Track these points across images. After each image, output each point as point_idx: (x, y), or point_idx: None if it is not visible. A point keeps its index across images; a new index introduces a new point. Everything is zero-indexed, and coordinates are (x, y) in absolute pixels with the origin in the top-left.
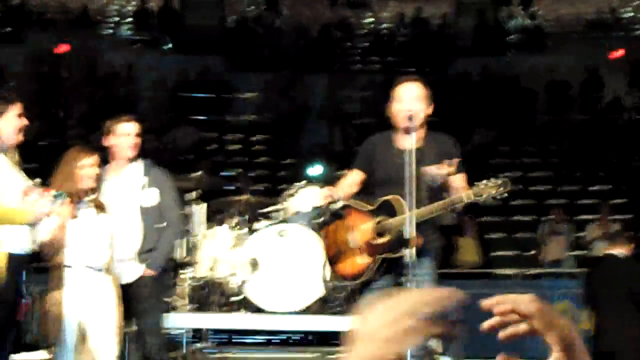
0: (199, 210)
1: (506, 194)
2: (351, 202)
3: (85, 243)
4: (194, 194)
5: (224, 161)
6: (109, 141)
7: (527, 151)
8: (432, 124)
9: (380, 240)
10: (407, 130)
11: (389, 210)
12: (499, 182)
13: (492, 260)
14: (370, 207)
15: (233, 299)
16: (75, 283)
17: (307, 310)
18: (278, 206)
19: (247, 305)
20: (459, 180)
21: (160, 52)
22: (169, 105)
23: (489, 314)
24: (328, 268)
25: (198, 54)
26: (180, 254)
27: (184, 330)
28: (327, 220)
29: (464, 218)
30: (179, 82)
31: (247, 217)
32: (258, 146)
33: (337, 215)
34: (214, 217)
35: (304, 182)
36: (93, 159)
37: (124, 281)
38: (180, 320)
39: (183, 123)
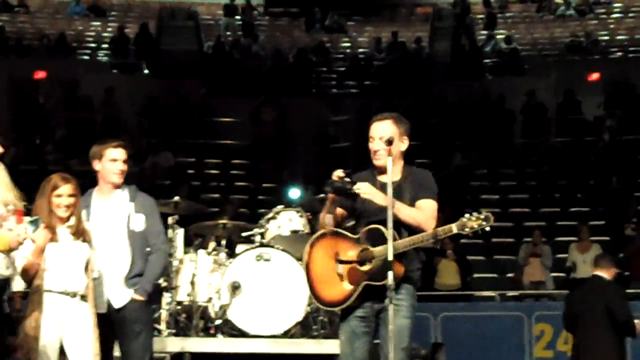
0: (178, 235)
1: (488, 228)
2: (337, 230)
3: (61, 269)
4: (171, 219)
5: (203, 185)
6: (96, 166)
7: (505, 173)
8: (412, 147)
9: (364, 268)
10: (380, 169)
11: (372, 239)
12: (482, 216)
13: (472, 282)
14: (354, 236)
15: (213, 323)
16: (53, 308)
17: (288, 334)
18: (258, 230)
19: (227, 329)
20: (424, 208)
21: (137, 77)
22: (147, 129)
23: (469, 336)
24: (309, 292)
25: (175, 79)
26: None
27: (165, 355)
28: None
29: (443, 240)
30: (156, 107)
31: (225, 241)
32: (236, 170)
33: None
34: (193, 242)
35: (282, 206)
36: (69, 187)
37: (114, 306)
38: (161, 345)
39: (161, 147)
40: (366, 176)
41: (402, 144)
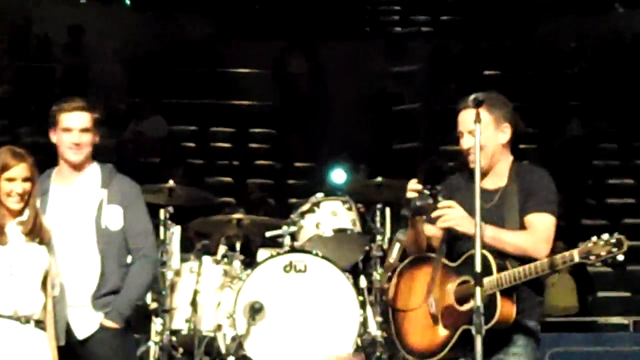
0: (173, 235)
1: (622, 257)
2: (428, 254)
3: (10, 283)
4: (163, 212)
5: (208, 165)
6: (52, 137)
7: None
8: (520, 111)
9: (464, 308)
10: (480, 170)
11: (474, 269)
12: (613, 240)
13: (594, 303)
14: (453, 264)
15: None
16: None
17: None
18: (287, 228)
19: None
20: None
21: (115, 10)
22: (131, 85)
23: None
24: (395, 338)
25: (169, 13)
26: (148, 297)
27: None
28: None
29: (556, 244)
30: (142, 53)
31: (240, 244)
32: (256, 144)
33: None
34: (194, 245)
35: (321, 194)
36: (23, 168)
37: (77, 336)
38: None
39: (149, 111)
40: (458, 182)
41: (503, 134)
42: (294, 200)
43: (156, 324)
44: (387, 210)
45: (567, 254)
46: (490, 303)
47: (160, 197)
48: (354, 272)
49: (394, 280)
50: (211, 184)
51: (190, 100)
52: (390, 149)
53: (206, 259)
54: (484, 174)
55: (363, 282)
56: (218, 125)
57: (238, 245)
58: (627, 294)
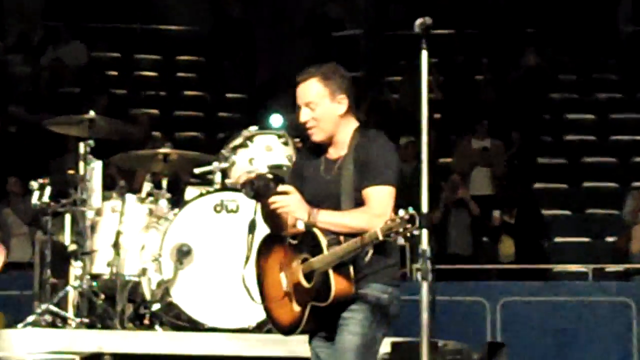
0: (93, 172)
1: (417, 232)
2: (276, 234)
3: None
4: (83, 146)
5: (132, 95)
6: None
7: (606, 80)
8: (460, 38)
9: (307, 285)
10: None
11: (310, 246)
12: (406, 216)
13: (550, 250)
14: (295, 241)
15: (149, 308)
16: None
17: (261, 328)
18: (218, 164)
19: (170, 318)
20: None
21: None
22: (47, 8)
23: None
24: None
25: None
26: (65, 238)
27: (73, 357)
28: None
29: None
30: None
31: (167, 181)
32: (184, 73)
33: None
34: (116, 183)
35: (255, 127)
36: None
37: None
38: (67, 341)
39: (69, 36)
40: (306, 156)
41: (339, 106)
42: (224, 134)
43: (75, 267)
44: None
45: (372, 232)
46: (324, 282)
47: (80, 129)
48: None
49: (255, 258)
50: (135, 116)
51: (112, 25)
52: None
53: (130, 197)
54: (327, 145)
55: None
56: (143, 52)
57: (165, 183)
58: (586, 239)
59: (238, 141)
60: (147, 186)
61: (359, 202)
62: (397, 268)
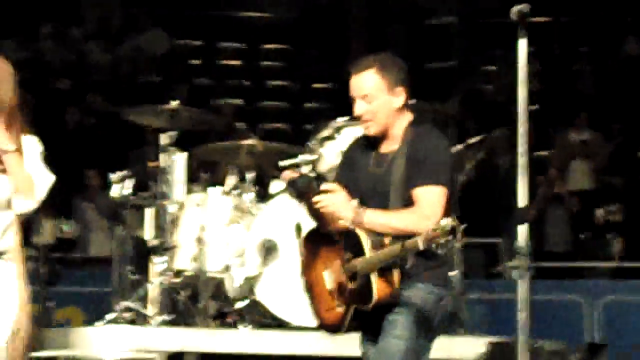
0: (175, 164)
1: (459, 244)
2: (322, 229)
3: None
4: (166, 137)
5: (216, 85)
6: None
7: None
8: (553, 27)
9: (350, 286)
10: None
11: (352, 246)
12: (448, 227)
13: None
14: (339, 239)
15: (233, 306)
16: None
17: (350, 326)
18: (305, 156)
19: (255, 317)
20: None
21: None
22: None
23: None
24: (311, 310)
25: None
26: (147, 233)
27: (154, 355)
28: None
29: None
30: None
31: (253, 174)
32: (269, 62)
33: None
34: (200, 175)
35: (343, 118)
36: None
37: None
38: (147, 340)
39: (147, 23)
40: (356, 150)
41: (396, 99)
42: (312, 125)
43: (156, 263)
44: None
45: (413, 240)
46: (366, 284)
47: (161, 120)
48: None
49: (302, 251)
50: (218, 107)
51: (195, 11)
52: (422, 68)
53: (213, 190)
54: (380, 138)
55: None
56: (227, 40)
57: (249, 176)
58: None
59: (326, 133)
60: (231, 179)
61: (408, 200)
62: (444, 268)
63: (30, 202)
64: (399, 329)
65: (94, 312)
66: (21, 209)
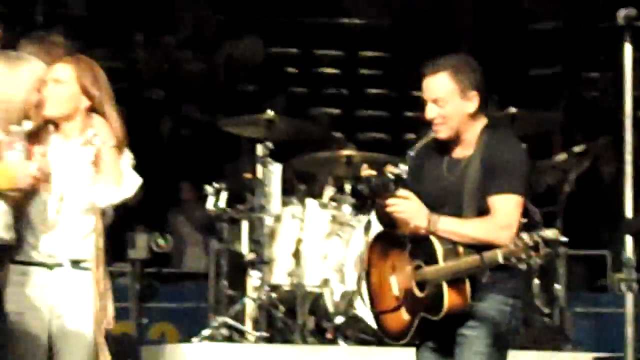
0: (272, 175)
1: (539, 260)
2: (396, 232)
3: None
4: (262, 147)
5: (313, 94)
6: None
7: None
8: None
9: (419, 294)
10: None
11: (425, 254)
12: (531, 243)
13: None
14: (409, 244)
15: (332, 322)
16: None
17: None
18: (404, 168)
19: (355, 333)
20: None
21: None
22: (221, 0)
23: None
24: (372, 315)
25: None
26: (241, 247)
27: None
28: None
29: None
30: None
31: (351, 185)
32: (367, 70)
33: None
34: (296, 187)
35: None
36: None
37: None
38: (244, 356)
39: (242, 29)
40: (427, 153)
41: (470, 103)
42: (411, 135)
43: (253, 277)
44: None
45: (492, 252)
46: (436, 294)
47: (257, 130)
48: None
49: (366, 255)
50: (316, 116)
51: (290, 19)
52: (526, 75)
53: (311, 202)
54: (452, 143)
55: None
56: (324, 48)
57: (348, 187)
58: None
59: (426, 142)
60: (329, 190)
61: (483, 207)
62: (518, 279)
63: (117, 194)
64: (477, 345)
65: (189, 328)
66: (105, 200)
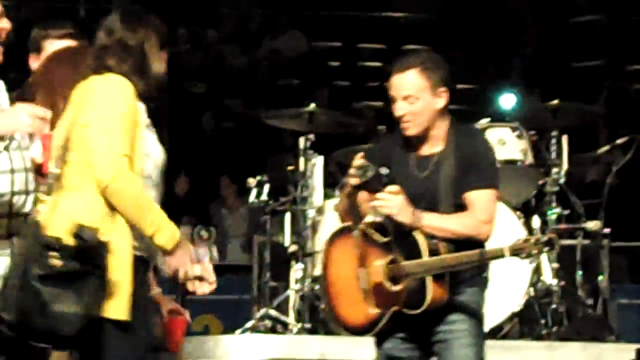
0: (314, 168)
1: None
2: (363, 226)
3: None
4: (304, 141)
5: (355, 87)
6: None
7: None
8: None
9: (394, 288)
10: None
11: (405, 247)
12: (544, 239)
13: None
14: (383, 239)
15: None
16: None
17: (498, 333)
18: None
19: None
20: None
21: None
22: None
23: None
24: (326, 307)
25: None
26: (284, 239)
27: None
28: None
29: None
30: None
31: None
32: None
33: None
34: (338, 180)
35: (486, 120)
36: None
37: None
38: (288, 348)
39: (285, 24)
40: (390, 148)
41: (439, 100)
42: None
43: (296, 270)
44: (564, 139)
45: (497, 249)
46: (418, 288)
47: (300, 123)
48: (525, 210)
49: (325, 248)
50: (362, 109)
51: (333, 12)
52: (568, 67)
53: None
54: (419, 140)
55: (536, 221)
56: (367, 41)
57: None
58: None
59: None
60: None
61: (458, 202)
62: (486, 271)
63: None
64: (466, 337)
65: (232, 320)
66: None
